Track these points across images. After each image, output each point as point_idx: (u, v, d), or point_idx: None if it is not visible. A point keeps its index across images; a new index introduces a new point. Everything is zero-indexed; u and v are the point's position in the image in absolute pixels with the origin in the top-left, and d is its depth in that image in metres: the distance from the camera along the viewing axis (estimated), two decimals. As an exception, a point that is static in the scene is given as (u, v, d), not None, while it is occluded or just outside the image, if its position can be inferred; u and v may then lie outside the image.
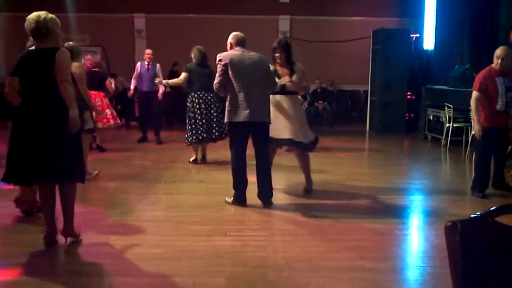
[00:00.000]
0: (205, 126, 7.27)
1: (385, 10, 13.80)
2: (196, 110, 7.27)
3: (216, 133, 7.37)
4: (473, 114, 5.76)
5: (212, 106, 7.34)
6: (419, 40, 12.41)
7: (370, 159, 9.09)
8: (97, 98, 8.49)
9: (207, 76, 7.17)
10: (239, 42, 5.24)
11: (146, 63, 9.48)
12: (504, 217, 1.65)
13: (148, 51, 9.57)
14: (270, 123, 5.23)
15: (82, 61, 7.28)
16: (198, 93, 7.27)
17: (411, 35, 12.10)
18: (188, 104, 7.36)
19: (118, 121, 8.71)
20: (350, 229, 4.57)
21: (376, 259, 3.83)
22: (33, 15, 3.86)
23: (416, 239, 4.63)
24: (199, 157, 7.65)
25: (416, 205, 5.69)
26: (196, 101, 7.27)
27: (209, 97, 7.30)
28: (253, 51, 5.25)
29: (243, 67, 5.07)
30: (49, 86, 3.78)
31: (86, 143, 6.50)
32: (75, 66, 6.21)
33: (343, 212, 5.10)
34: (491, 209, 1.65)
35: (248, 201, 5.27)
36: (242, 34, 5.31)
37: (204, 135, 7.29)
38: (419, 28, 12.47)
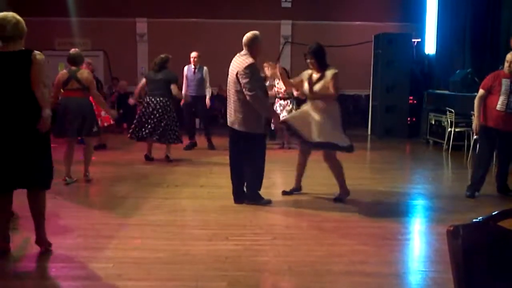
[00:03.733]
0: (149, 127, 7.74)
1: (386, 15, 13.81)
2: (144, 111, 7.78)
3: (159, 135, 7.81)
4: (474, 110, 5.84)
5: (166, 109, 7.77)
6: (421, 44, 12.43)
7: (371, 164, 9.09)
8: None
9: (160, 82, 7.76)
10: (243, 44, 5.30)
11: (193, 66, 9.12)
12: (507, 221, 1.65)
13: (194, 54, 9.11)
14: (242, 129, 5.27)
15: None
16: (150, 97, 7.78)
17: (413, 40, 12.13)
18: (142, 105, 7.96)
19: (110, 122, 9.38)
20: (352, 233, 4.57)
21: (378, 264, 3.83)
22: (9, 15, 3.69)
23: (418, 244, 4.62)
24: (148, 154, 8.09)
25: (418, 210, 5.68)
26: (151, 103, 7.74)
27: (160, 101, 7.76)
28: (240, 54, 5.30)
29: (230, 71, 5.32)
30: (22, 89, 3.65)
31: (91, 146, 6.61)
32: (87, 72, 6.40)
33: (345, 217, 5.10)
34: (493, 213, 1.66)
35: (249, 205, 5.36)
36: (246, 35, 5.27)
37: (146, 135, 7.81)
38: (421, 33, 12.49)
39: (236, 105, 5.25)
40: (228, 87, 5.38)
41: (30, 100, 3.68)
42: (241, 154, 5.40)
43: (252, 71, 5.14)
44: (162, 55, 7.94)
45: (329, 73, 5.45)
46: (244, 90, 5.13)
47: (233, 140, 5.45)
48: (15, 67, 3.67)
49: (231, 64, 5.32)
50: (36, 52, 3.73)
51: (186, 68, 9.27)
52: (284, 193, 5.89)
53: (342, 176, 5.65)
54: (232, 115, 5.33)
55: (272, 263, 3.82)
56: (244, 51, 5.26)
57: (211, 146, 9.42)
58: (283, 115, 8.42)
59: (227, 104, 5.44)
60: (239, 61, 5.22)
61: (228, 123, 5.44)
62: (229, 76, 5.33)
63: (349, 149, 5.49)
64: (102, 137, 9.04)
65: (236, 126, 5.29)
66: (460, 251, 1.55)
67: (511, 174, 6.18)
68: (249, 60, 5.16)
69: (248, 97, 5.12)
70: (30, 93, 3.68)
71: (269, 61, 8.21)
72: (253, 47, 5.24)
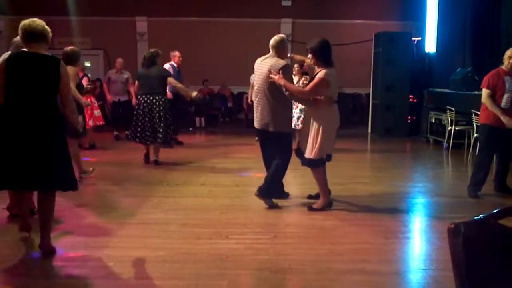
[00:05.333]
0: (151, 130, 7.37)
1: (386, 13, 13.81)
2: (140, 112, 7.42)
3: (160, 136, 7.41)
4: (494, 110, 5.56)
5: (163, 108, 7.40)
6: (421, 43, 12.42)
7: (372, 162, 9.09)
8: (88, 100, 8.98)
9: (154, 78, 7.40)
10: (271, 46, 5.25)
11: (176, 65, 8.93)
12: (508, 219, 1.65)
13: (178, 53, 8.96)
14: (275, 129, 5.14)
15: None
16: (145, 95, 7.41)
17: (413, 38, 12.12)
18: (137, 105, 7.57)
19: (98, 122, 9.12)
20: (352, 232, 4.57)
21: (378, 262, 3.83)
22: (36, 20, 3.78)
23: (419, 242, 4.62)
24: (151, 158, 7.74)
25: (419, 208, 5.68)
26: (148, 102, 7.38)
27: (158, 99, 7.40)
28: (267, 56, 5.24)
29: (257, 73, 5.26)
30: (47, 93, 3.70)
31: (75, 146, 6.47)
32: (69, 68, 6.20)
33: (346, 215, 5.10)
34: (494, 211, 1.65)
35: (250, 204, 5.36)
36: (274, 38, 5.25)
37: (146, 138, 7.44)
38: (421, 31, 12.48)
39: (268, 106, 5.14)
40: (257, 91, 5.26)
41: (49, 104, 3.72)
42: (273, 154, 5.35)
43: (286, 71, 5.10)
44: (152, 50, 7.69)
45: (318, 75, 5.04)
46: (283, 88, 5.04)
47: (264, 143, 5.47)
48: (43, 70, 3.70)
49: (259, 66, 5.23)
50: (62, 61, 3.81)
51: (169, 66, 8.94)
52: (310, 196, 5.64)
53: (325, 184, 5.25)
54: (264, 116, 5.18)
55: (272, 261, 3.82)
56: (271, 53, 5.21)
57: (178, 142, 9.32)
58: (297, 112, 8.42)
59: (255, 108, 5.31)
60: (272, 62, 5.10)
61: (258, 126, 5.28)
62: (257, 78, 5.25)
63: (311, 163, 5.14)
64: (92, 136, 8.99)
65: (270, 128, 5.15)
66: (461, 249, 1.55)
67: (510, 173, 6.19)
68: (282, 62, 5.15)
69: (288, 94, 5.09)
70: (49, 98, 3.72)
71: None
72: (281, 49, 5.21)
